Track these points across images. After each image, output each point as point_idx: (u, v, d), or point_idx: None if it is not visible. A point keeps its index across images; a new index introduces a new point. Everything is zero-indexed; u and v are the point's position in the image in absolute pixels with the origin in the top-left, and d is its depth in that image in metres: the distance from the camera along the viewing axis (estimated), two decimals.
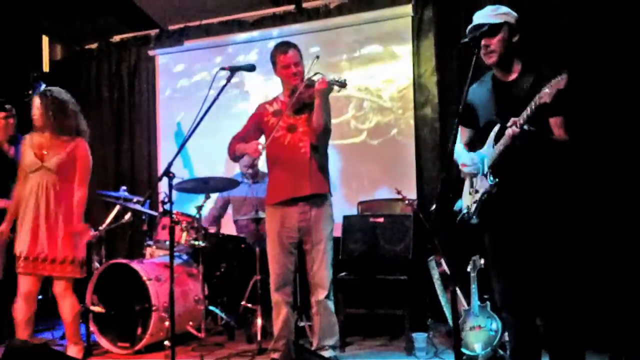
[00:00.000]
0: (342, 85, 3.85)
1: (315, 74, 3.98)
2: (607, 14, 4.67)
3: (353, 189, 5.91)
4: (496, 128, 3.00)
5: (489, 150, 3.04)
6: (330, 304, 4.04)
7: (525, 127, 2.79)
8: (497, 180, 2.98)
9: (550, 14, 4.92)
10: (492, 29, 2.97)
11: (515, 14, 3.05)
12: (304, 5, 6.27)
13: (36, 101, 4.29)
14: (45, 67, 7.03)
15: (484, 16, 3.02)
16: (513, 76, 3.05)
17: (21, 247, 4.18)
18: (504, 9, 3.05)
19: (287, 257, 4.05)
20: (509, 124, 2.84)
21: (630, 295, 4.21)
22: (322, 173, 4.05)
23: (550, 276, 2.95)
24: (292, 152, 4.02)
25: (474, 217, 3.14)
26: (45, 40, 7.04)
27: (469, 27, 3.03)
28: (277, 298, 4.04)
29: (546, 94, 2.67)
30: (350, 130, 5.99)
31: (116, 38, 7.11)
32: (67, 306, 4.27)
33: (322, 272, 4.01)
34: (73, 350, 4.30)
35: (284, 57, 4.03)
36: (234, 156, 4.21)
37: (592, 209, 4.45)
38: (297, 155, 4.01)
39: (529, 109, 2.76)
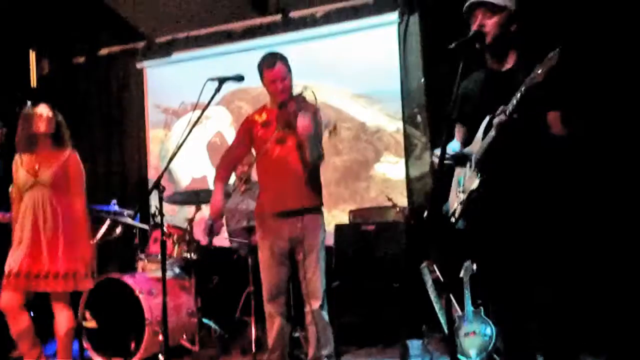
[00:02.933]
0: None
1: (305, 89, 3.97)
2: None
3: (344, 197, 5.91)
4: (486, 120, 2.87)
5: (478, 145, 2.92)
6: (325, 314, 4.01)
7: (515, 115, 2.66)
8: (484, 177, 2.87)
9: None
10: (491, 8, 2.90)
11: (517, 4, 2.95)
12: (291, 14, 6.29)
13: (46, 109, 4.25)
14: (33, 82, 7.01)
15: None
16: (508, 66, 2.97)
17: (14, 263, 4.14)
18: None
19: (279, 268, 4.02)
20: (497, 112, 2.73)
21: (626, 298, 4.21)
22: (312, 186, 4.01)
23: (542, 279, 2.91)
24: (280, 166, 4.00)
25: (459, 221, 3.04)
26: (32, 55, 7.02)
27: (468, 1, 2.94)
28: (270, 309, 4.02)
29: (538, 73, 2.53)
30: (338, 137, 5.99)
31: (104, 51, 7.10)
32: (64, 320, 4.22)
33: (315, 281, 3.98)
34: None
35: (270, 72, 3.98)
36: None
37: (589, 210, 4.39)
38: (286, 169, 3.98)
39: (519, 93, 2.62)
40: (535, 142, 2.82)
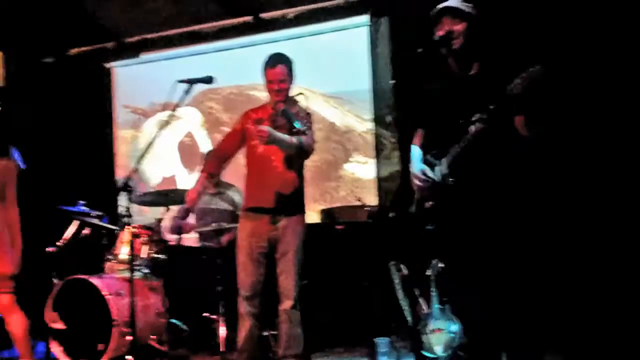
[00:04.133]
0: (297, 129, 3.87)
1: (299, 94, 4.02)
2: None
3: (315, 196, 5.93)
4: (457, 125, 2.93)
5: (448, 151, 2.98)
6: (297, 314, 4.03)
7: (490, 123, 2.75)
8: (454, 180, 2.94)
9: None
10: (458, 15, 2.97)
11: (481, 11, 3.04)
12: (262, 15, 6.29)
13: None
14: (1, 82, 6.92)
15: (456, 2, 3.02)
16: (472, 71, 3.03)
17: None
18: (471, 4, 3.03)
19: (256, 266, 4.03)
20: (473, 119, 2.81)
21: (590, 297, 4.27)
22: (293, 188, 4.03)
23: (509, 278, 2.95)
24: (262, 164, 4.04)
25: (431, 223, 3.13)
26: (0, 54, 6.94)
27: (437, 7, 3.01)
28: (243, 309, 4.01)
29: (518, 84, 2.63)
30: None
31: (73, 51, 7.04)
32: (16, 321, 4.19)
33: (289, 281, 4.00)
34: None
35: (270, 72, 4.04)
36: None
37: (556, 211, 4.45)
38: (268, 167, 4.02)
39: (496, 103, 2.72)
40: (504, 145, 2.88)
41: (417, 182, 3.10)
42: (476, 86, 2.94)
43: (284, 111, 3.95)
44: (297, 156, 4.01)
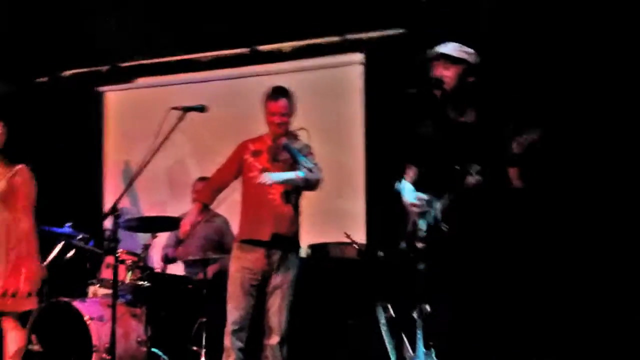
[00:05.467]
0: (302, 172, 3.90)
1: (301, 128, 4.04)
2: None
3: (303, 231, 5.90)
4: (450, 171, 2.99)
5: (441, 196, 3.03)
6: (283, 350, 4.00)
7: (489, 176, 2.82)
8: (450, 228, 2.98)
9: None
10: (448, 60, 3.04)
11: (478, 58, 3.10)
12: (259, 48, 6.34)
13: None
14: None
15: (448, 48, 3.09)
16: (468, 118, 3.09)
17: None
18: (470, 49, 3.11)
19: (247, 299, 4.01)
20: (471, 170, 2.86)
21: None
22: (289, 222, 4.02)
23: (499, 331, 2.96)
24: (260, 196, 4.04)
25: (422, 263, 3.13)
26: None
27: (430, 50, 3.09)
28: (229, 342, 3.97)
29: (516, 146, 2.70)
30: None
31: (66, 73, 7.03)
32: (14, 340, 4.15)
33: (278, 317, 3.99)
34: None
35: (272, 105, 4.06)
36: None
37: (549, 256, 4.45)
38: (265, 200, 4.02)
39: (493, 159, 2.79)
40: (497, 196, 2.95)
41: (414, 208, 3.12)
42: (471, 134, 3.00)
43: (286, 145, 3.96)
44: (299, 190, 4.02)
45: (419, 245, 3.14)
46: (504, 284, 2.98)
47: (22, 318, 4.26)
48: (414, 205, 3.14)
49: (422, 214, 3.17)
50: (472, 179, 2.86)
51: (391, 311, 4.35)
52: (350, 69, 6.05)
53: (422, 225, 3.15)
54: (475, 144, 2.93)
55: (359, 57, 5.97)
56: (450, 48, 3.11)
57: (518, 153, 2.74)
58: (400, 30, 5.65)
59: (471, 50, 3.11)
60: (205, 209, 4.52)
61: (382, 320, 4.34)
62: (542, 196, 4.19)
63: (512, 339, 2.99)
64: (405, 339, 4.13)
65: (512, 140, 2.73)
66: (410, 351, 4.18)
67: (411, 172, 3.32)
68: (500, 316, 2.98)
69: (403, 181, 3.27)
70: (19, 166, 4.23)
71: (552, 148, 3.48)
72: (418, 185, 3.25)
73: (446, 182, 3.01)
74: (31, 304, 4.17)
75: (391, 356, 4.29)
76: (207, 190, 4.34)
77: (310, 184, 3.99)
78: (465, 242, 2.99)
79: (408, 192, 3.19)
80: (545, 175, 4.22)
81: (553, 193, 4.47)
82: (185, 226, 4.17)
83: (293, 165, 3.94)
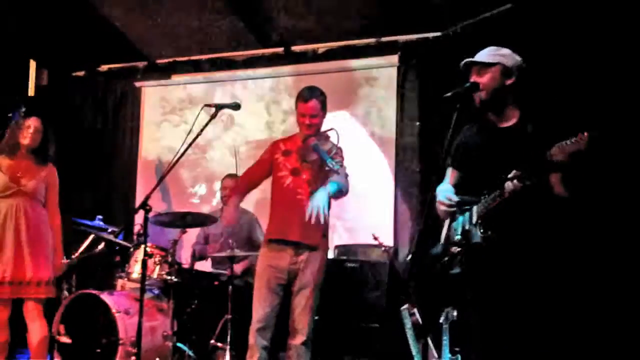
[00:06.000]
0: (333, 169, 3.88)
1: (330, 129, 4.03)
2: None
3: (330, 231, 5.89)
4: (490, 176, 2.92)
5: (479, 200, 2.97)
6: (307, 351, 3.98)
7: (528, 182, 2.74)
8: (488, 233, 2.91)
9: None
10: (482, 67, 3.00)
11: (518, 58, 3.04)
12: (293, 48, 6.35)
13: (36, 123, 4.28)
14: (31, 92, 7.01)
15: (482, 54, 3.05)
16: (511, 122, 3.03)
17: (2, 271, 4.12)
18: (506, 50, 3.04)
19: (272, 297, 4.00)
20: (510, 175, 2.79)
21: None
22: (318, 222, 3.99)
23: (536, 335, 2.90)
24: (289, 196, 4.03)
25: (456, 267, 3.09)
26: (32, 64, 7.03)
27: (463, 61, 3.05)
28: (254, 340, 3.95)
29: (558, 152, 2.62)
30: None
31: (104, 67, 7.12)
32: (37, 329, 4.22)
33: (304, 317, 3.96)
34: None
35: (302, 106, 4.05)
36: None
37: (593, 268, 4.30)
38: (294, 200, 4.01)
39: (535, 164, 2.70)
40: (539, 203, 2.87)
41: (441, 207, 3.08)
42: (515, 138, 2.94)
43: (315, 146, 3.95)
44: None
45: (454, 249, 3.08)
46: (540, 294, 2.89)
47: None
48: (442, 203, 3.08)
49: (452, 216, 3.13)
50: (511, 185, 2.80)
51: (417, 315, 4.32)
52: (385, 71, 6.02)
53: (458, 229, 3.10)
54: (516, 149, 2.87)
55: (394, 58, 5.94)
56: (482, 54, 3.06)
57: (560, 159, 2.66)
58: (437, 34, 5.61)
59: (507, 52, 3.04)
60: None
61: (408, 325, 4.31)
62: (586, 205, 4.04)
63: (546, 349, 2.91)
64: (431, 344, 4.10)
65: (555, 145, 2.66)
66: (436, 356, 4.14)
67: (454, 176, 3.27)
68: (535, 326, 2.91)
69: (446, 184, 3.23)
70: (50, 165, 4.38)
71: (599, 154, 3.42)
72: (458, 189, 3.18)
73: (485, 187, 2.95)
74: (52, 292, 4.30)
75: None
76: (242, 186, 4.34)
77: (343, 193, 4.02)
78: (502, 249, 2.91)
79: (441, 192, 3.13)
80: (591, 183, 4.06)
81: (598, 201, 4.29)
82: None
83: (322, 166, 3.92)
